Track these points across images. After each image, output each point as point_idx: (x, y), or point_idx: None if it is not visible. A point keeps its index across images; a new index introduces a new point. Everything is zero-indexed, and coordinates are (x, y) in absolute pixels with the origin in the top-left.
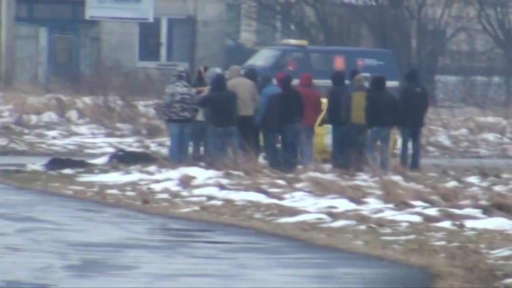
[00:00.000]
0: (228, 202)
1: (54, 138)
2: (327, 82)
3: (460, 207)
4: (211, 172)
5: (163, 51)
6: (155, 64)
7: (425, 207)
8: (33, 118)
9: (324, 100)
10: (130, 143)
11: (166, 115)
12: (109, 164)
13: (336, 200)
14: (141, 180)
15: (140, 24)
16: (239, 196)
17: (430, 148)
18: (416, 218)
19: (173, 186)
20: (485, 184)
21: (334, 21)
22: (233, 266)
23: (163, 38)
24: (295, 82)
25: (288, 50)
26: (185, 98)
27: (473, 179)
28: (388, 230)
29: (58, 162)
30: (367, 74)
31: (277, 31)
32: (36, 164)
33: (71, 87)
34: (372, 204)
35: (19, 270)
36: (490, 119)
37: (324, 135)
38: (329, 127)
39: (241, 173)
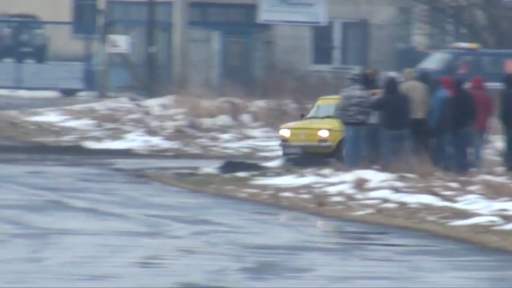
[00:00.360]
0: (402, 205)
1: (227, 141)
2: (498, 85)
3: None
4: (385, 175)
5: (336, 54)
6: (328, 67)
7: None
8: (206, 122)
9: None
10: None
11: (341, 118)
12: (283, 167)
13: (509, 203)
14: (315, 183)
15: (312, 28)
16: (413, 199)
17: None
18: None
19: (347, 189)
20: None
21: (505, 24)
22: (407, 269)
23: (336, 42)
24: (466, 85)
25: (460, 53)
26: (361, 102)
27: None
28: None
29: (232, 165)
30: None
31: (448, 34)
32: (209, 167)
33: (244, 90)
34: None
35: (194, 273)
36: None
37: None
38: None
39: (414, 176)
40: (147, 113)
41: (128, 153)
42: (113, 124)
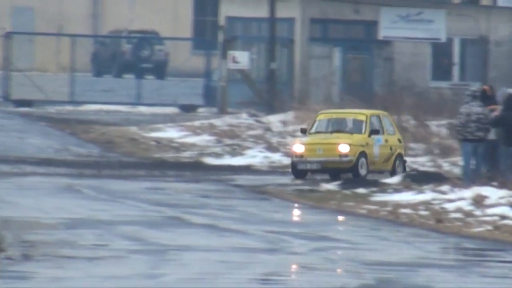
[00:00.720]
0: None
1: None
2: None
3: None
4: (504, 192)
5: (456, 70)
6: (447, 83)
7: None
8: None
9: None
10: (423, 163)
11: (460, 134)
12: (402, 183)
13: None
14: (434, 199)
15: (432, 44)
16: None
17: None
18: None
19: (466, 205)
20: None
21: None
22: None
23: (456, 58)
24: None
25: None
26: (480, 118)
27: None
28: None
29: (351, 181)
30: None
31: None
32: (330, 184)
33: (364, 106)
34: None
35: None
36: None
37: (373, 146)
38: (375, 137)
39: None
40: (267, 129)
41: (248, 169)
42: (233, 140)
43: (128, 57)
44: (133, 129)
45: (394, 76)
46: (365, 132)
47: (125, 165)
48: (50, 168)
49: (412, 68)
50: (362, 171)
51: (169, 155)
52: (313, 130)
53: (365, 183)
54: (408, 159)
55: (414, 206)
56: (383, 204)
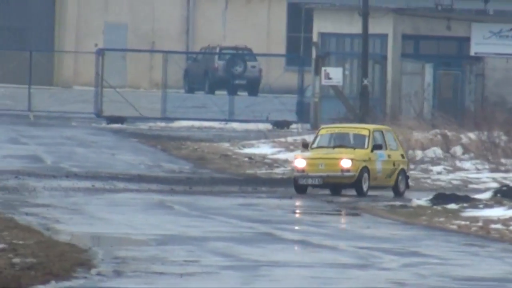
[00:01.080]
0: None
1: (439, 173)
2: None
3: None
4: None
5: None
6: None
7: None
8: (419, 154)
9: None
10: None
11: None
12: (493, 199)
13: None
14: None
15: None
16: None
17: None
18: None
19: None
20: None
21: None
22: None
23: None
24: None
25: None
26: None
27: None
28: None
29: (443, 197)
30: None
31: None
32: (421, 199)
33: (456, 122)
34: None
35: None
36: None
37: (376, 161)
38: (378, 153)
39: None
40: None
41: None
42: None
43: (221, 74)
44: (226, 145)
45: (486, 92)
46: (367, 147)
47: (217, 181)
48: (141, 185)
49: (503, 84)
50: (365, 187)
51: (261, 171)
52: (315, 145)
53: (456, 198)
54: (498, 175)
55: (505, 221)
56: (474, 219)
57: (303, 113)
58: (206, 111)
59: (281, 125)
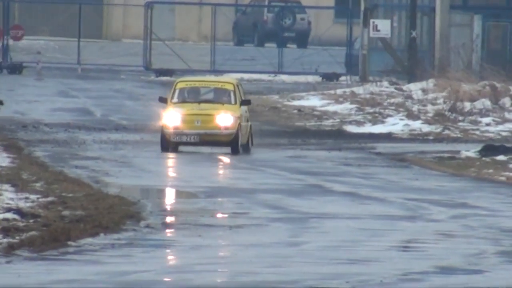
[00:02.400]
0: None
1: (487, 125)
2: None
3: None
4: None
5: None
6: None
7: None
8: (467, 105)
9: None
10: None
11: None
12: None
13: None
14: None
15: None
16: None
17: None
18: None
19: None
20: None
21: None
22: None
23: None
24: None
25: None
26: None
27: None
28: None
29: (491, 148)
30: None
31: None
32: (469, 151)
33: (504, 74)
34: None
35: (452, 256)
36: None
37: (242, 118)
38: (243, 108)
39: None
40: (408, 97)
41: (389, 137)
42: (374, 108)
43: (270, 26)
44: (275, 97)
45: None
46: (236, 103)
47: (267, 133)
48: None
49: None
50: (239, 145)
51: (311, 124)
52: (175, 99)
53: (505, 150)
54: None
55: None
56: None
57: (352, 65)
58: (255, 64)
59: (330, 77)
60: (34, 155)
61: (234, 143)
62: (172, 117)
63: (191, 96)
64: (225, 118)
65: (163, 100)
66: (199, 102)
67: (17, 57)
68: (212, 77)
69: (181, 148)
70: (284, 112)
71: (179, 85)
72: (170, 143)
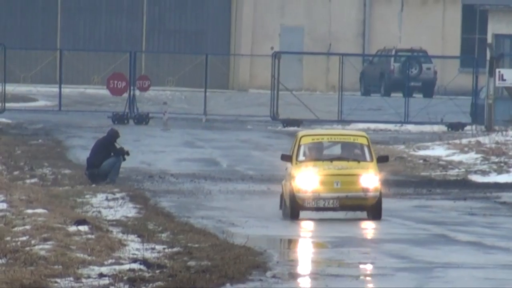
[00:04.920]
0: None
1: None
2: None
3: None
4: None
5: None
6: None
7: None
8: None
9: None
10: None
11: None
12: None
13: None
14: None
15: None
16: None
17: None
18: None
19: None
20: None
21: None
22: None
23: None
24: None
25: None
26: None
27: None
28: None
29: None
30: None
31: None
32: None
33: None
34: None
35: None
36: None
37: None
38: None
39: None
40: None
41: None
42: (499, 157)
43: (397, 76)
44: (401, 147)
45: None
46: (372, 160)
47: (393, 183)
48: None
49: None
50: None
51: (436, 173)
52: (301, 157)
53: None
54: None
55: None
56: None
57: (477, 115)
58: (381, 114)
59: (456, 127)
60: (160, 206)
61: (377, 208)
62: (306, 179)
63: (318, 153)
64: (369, 179)
65: (286, 158)
66: (331, 160)
67: (143, 108)
68: (338, 130)
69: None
70: (410, 162)
71: (304, 140)
72: (302, 208)
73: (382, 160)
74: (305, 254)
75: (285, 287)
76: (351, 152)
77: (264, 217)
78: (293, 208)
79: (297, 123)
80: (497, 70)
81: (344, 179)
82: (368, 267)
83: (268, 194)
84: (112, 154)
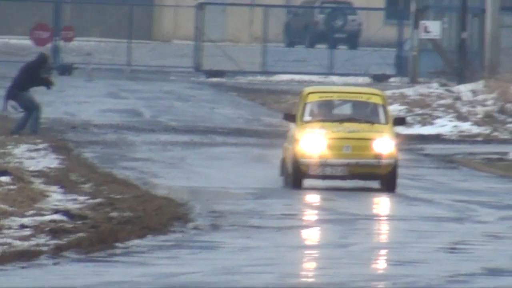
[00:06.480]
0: None
1: None
2: None
3: None
4: None
5: None
6: None
7: None
8: None
9: None
10: None
11: None
12: None
13: None
14: None
15: None
16: None
17: None
18: None
19: None
20: None
21: None
22: None
23: None
24: None
25: None
26: None
27: None
28: None
29: None
30: None
31: None
32: None
33: None
34: None
35: (500, 258)
36: None
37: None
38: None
39: None
40: (457, 98)
41: (438, 138)
42: (423, 109)
43: (321, 27)
44: None
45: None
46: (387, 122)
47: None
48: (240, 138)
49: None
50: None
51: None
52: (306, 117)
53: None
54: None
55: None
56: None
57: (402, 66)
58: (306, 65)
59: (380, 78)
60: (83, 156)
61: (391, 178)
62: (311, 142)
63: (326, 112)
64: (384, 144)
65: (290, 118)
66: (341, 121)
67: (67, 58)
68: (350, 87)
69: (231, 149)
70: None
71: (311, 98)
72: (306, 176)
73: (399, 122)
74: (226, 206)
75: (206, 238)
76: (363, 113)
77: (186, 168)
78: (296, 175)
79: (220, 74)
80: (421, 22)
81: (355, 144)
82: (291, 219)
83: (191, 145)
84: (36, 83)
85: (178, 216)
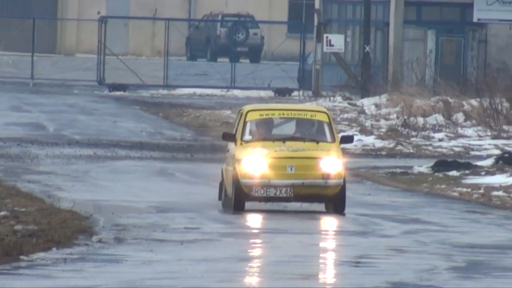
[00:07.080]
0: None
1: (440, 140)
2: None
3: None
4: None
5: None
6: None
7: None
8: (420, 121)
9: None
10: None
11: None
12: (495, 166)
13: None
14: None
15: None
16: None
17: None
18: None
19: None
20: None
21: None
22: None
23: None
24: None
25: None
26: None
27: None
28: None
29: (444, 164)
30: None
31: None
32: (422, 166)
33: (458, 89)
34: None
35: (404, 272)
36: None
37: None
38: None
39: None
40: (361, 112)
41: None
42: None
43: (223, 41)
44: (227, 112)
45: (488, 59)
46: (334, 140)
47: (218, 148)
48: (143, 152)
49: (506, 50)
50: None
51: None
52: (246, 136)
53: (458, 165)
54: (500, 142)
55: (506, 188)
56: (475, 186)
57: (305, 80)
58: (207, 79)
59: (283, 92)
60: None
61: (340, 199)
62: (253, 162)
63: (267, 131)
64: (331, 163)
65: (229, 138)
66: (283, 140)
67: None
68: (293, 104)
69: (134, 162)
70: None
71: (251, 116)
72: (248, 198)
73: (346, 140)
74: (130, 219)
75: (111, 252)
76: (308, 131)
77: (90, 182)
78: (237, 198)
79: (123, 87)
80: (324, 35)
81: (299, 163)
82: (194, 232)
83: (94, 158)
84: None
85: (82, 229)
